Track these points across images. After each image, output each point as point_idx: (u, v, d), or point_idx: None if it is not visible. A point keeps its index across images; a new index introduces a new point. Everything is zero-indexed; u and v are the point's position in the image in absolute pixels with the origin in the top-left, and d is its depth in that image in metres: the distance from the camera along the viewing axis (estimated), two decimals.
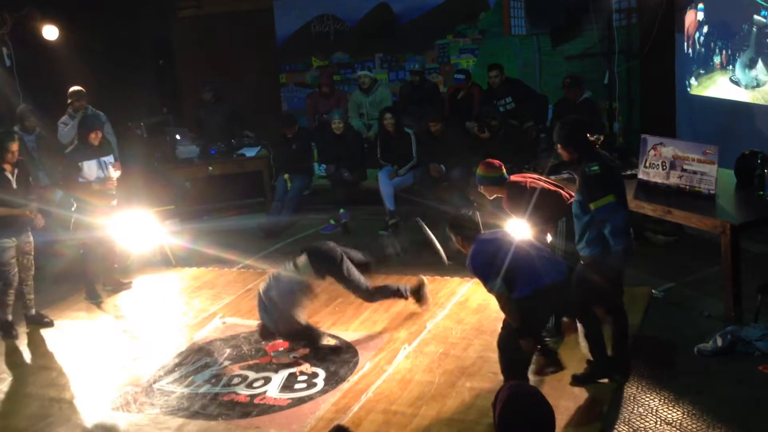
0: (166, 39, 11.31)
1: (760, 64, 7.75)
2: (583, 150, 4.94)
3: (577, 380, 5.11)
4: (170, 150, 9.87)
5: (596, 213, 4.77)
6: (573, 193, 5.55)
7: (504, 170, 5.68)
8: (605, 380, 5.12)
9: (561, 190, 5.71)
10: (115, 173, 7.45)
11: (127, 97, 9.93)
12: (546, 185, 5.72)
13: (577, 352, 5.56)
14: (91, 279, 7.55)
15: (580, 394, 5.01)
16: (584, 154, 4.92)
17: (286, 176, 9.54)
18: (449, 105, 9.58)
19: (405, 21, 10.62)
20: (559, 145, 5.00)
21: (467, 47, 10.47)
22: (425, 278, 6.61)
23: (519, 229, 5.59)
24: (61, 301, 7.58)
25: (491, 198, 5.83)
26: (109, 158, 7.50)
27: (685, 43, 9.14)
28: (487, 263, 4.69)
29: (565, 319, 5.85)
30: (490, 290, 4.70)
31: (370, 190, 9.39)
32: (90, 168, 7.30)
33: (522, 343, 4.69)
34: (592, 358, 5.19)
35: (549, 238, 5.57)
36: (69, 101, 8.71)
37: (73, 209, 7.36)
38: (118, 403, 5.51)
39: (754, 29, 7.71)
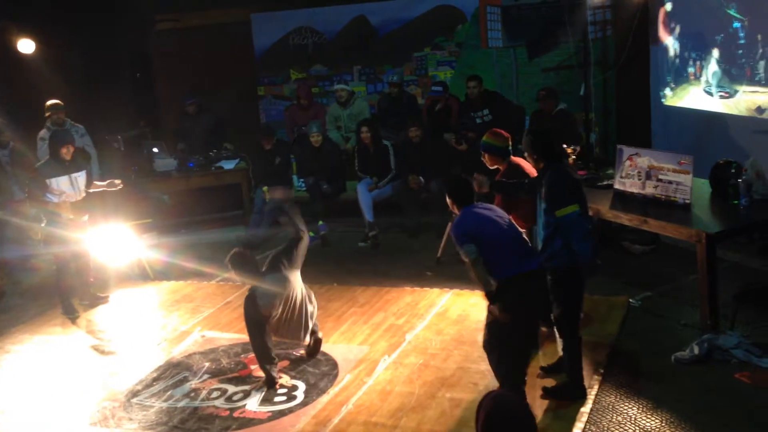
0: (143, 52, 11.29)
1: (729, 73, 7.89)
2: (549, 159, 5.03)
3: (547, 392, 5.11)
4: (148, 163, 9.83)
5: (561, 221, 4.82)
6: None
7: (510, 144, 5.74)
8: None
9: None
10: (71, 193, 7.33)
11: (104, 110, 9.90)
12: None
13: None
14: (67, 294, 7.48)
15: (560, 404, 5.02)
16: (550, 163, 5.01)
17: (264, 189, 9.52)
18: (427, 117, 9.63)
19: (383, 33, 10.68)
20: (526, 153, 5.15)
21: (445, 59, 10.53)
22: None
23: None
24: (38, 316, 7.50)
25: (491, 168, 5.84)
26: (81, 174, 7.39)
27: (660, 54, 9.26)
28: (468, 232, 4.77)
29: (543, 329, 5.89)
30: (464, 255, 4.77)
31: (349, 202, 9.40)
32: (59, 184, 7.20)
33: (493, 310, 4.74)
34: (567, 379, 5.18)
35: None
36: (47, 115, 8.66)
37: (42, 224, 7.27)
38: (96, 419, 5.46)
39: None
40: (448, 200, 5.10)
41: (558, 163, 5.09)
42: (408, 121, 9.16)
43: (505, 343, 4.77)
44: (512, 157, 5.83)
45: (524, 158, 5.51)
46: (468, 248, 4.72)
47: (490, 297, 4.75)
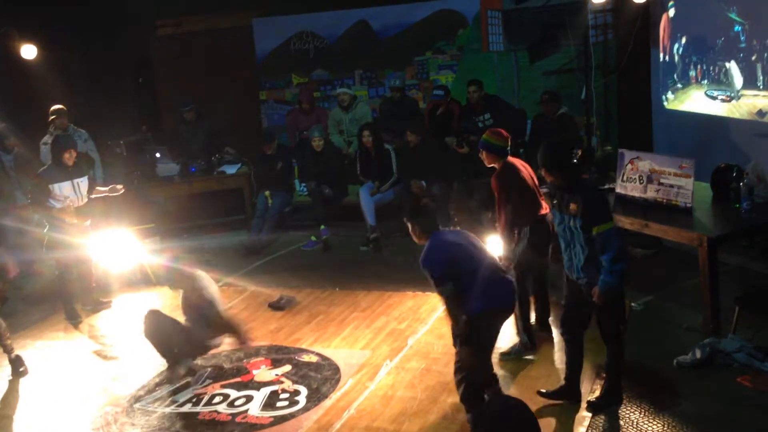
0: (145, 57, 11.32)
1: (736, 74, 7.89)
2: (572, 174, 4.78)
3: (593, 406, 4.99)
4: (150, 168, 9.85)
5: (597, 238, 4.57)
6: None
7: (509, 144, 5.81)
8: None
9: (542, 200, 5.76)
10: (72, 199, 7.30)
11: (106, 115, 9.91)
12: (533, 186, 5.78)
13: (553, 368, 5.61)
14: (69, 299, 7.49)
15: (561, 411, 5.03)
16: (574, 179, 4.78)
17: (266, 193, 9.54)
18: (428, 121, 9.64)
19: (384, 37, 10.69)
20: (543, 169, 4.84)
21: (446, 63, 10.54)
22: None
23: (490, 244, 5.63)
24: (40, 321, 7.52)
25: (488, 165, 5.87)
26: (84, 179, 7.39)
27: (661, 58, 9.26)
28: (441, 263, 4.54)
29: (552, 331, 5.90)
30: (439, 292, 4.59)
31: (351, 207, 9.41)
32: (62, 189, 7.20)
33: (463, 351, 4.63)
34: (606, 385, 5.06)
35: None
36: (50, 119, 8.68)
37: (45, 230, 7.28)
38: (99, 424, 5.46)
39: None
40: (411, 229, 4.78)
41: (581, 177, 4.92)
42: (408, 125, 9.17)
43: (470, 377, 4.65)
44: (509, 157, 5.86)
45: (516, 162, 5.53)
46: (443, 287, 4.51)
47: (464, 341, 4.57)
